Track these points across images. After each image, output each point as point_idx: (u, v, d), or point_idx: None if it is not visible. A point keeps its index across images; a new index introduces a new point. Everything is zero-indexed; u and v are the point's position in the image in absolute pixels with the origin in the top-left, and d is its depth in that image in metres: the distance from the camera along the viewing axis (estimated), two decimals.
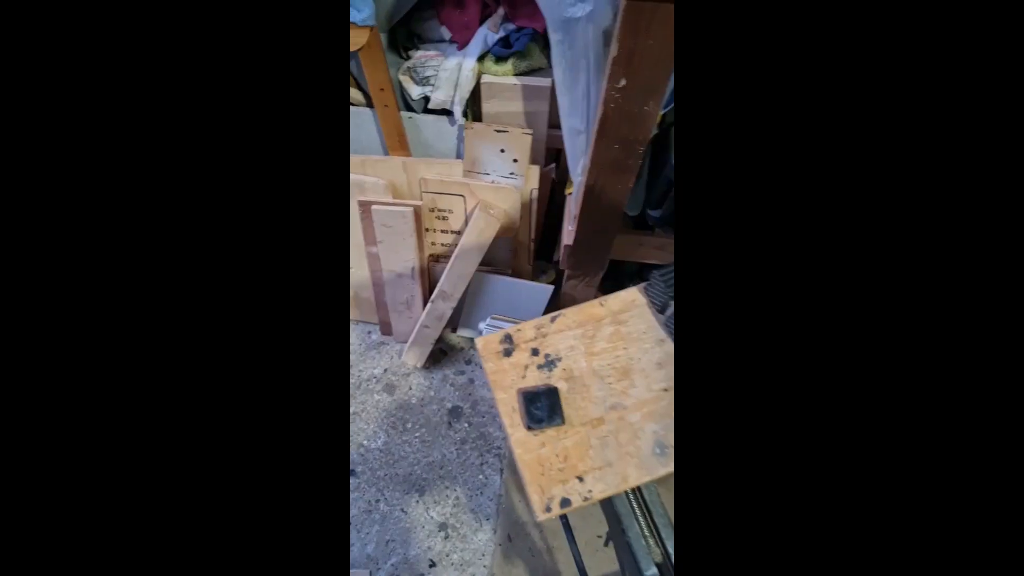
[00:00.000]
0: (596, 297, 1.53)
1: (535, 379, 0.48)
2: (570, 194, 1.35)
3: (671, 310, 0.49)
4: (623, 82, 0.83)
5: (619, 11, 0.75)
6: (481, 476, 1.43)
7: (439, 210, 1.33)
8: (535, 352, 0.50)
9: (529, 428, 0.45)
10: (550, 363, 0.49)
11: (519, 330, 0.51)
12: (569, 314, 0.51)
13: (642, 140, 0.94)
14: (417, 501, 1.40)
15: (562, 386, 0.47)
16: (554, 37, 0.90)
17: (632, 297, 0.52)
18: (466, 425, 1.49)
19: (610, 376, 0.48)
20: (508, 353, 0.50)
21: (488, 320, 0.92)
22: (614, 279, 1.50)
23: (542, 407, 0.44)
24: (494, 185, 1.27)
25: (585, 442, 0.45)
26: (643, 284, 0.52)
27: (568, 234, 1.28)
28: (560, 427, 0.46)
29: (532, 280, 1.50)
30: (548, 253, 1.62)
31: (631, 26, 0.74)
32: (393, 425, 1.48)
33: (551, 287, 1.41)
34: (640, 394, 0.47)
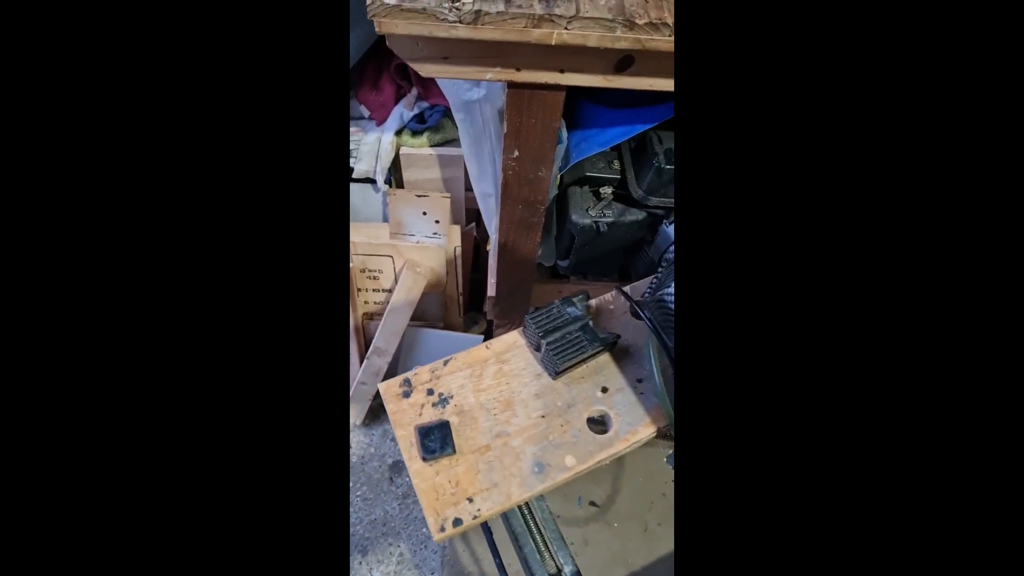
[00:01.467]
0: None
1: (430, 415, 0.55)
2: (489, 250, 1.46)
3: (543, 349, 0.58)
4: (516, 153, 0.95)
5: (504, 95, 0.88)
6: (425, 529, 1.44)
7: (369, 271, 1.41)
8: (430, 392, 0.57)
9: (424, 459, 0.52)
10: (443, 401, 0.56)
11: (416, 374, 0.59)
12: (459, 357, 0.59)
13: (541, 201, 1.06)
14: (360, 562, 1.40)
15: (454, 420, 0.55)
16: (458, 116, 1.02)
17: (513, 339, 0.61)
18: (407, 479, 1.51)
19: (495, 408, 0.56)
20: (407, 395, 0.57)
21: (414, 371, 0.99)
22: None
23: (435, 439, 0.51)
24: (419, 245, 1.36)
25: (474, 467, 0.52)
26: (521, 327, 0.61)
27: (491, 286, 1.37)
28: (452, 456, 0.53)
29: (464, 331, 1.58)
30: (479, 305, 1.71)
31: (515, 107, 0.87)
32: None
33: (480, 337, 1.49)
34: (521, 422, 0.55)
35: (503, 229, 1.13)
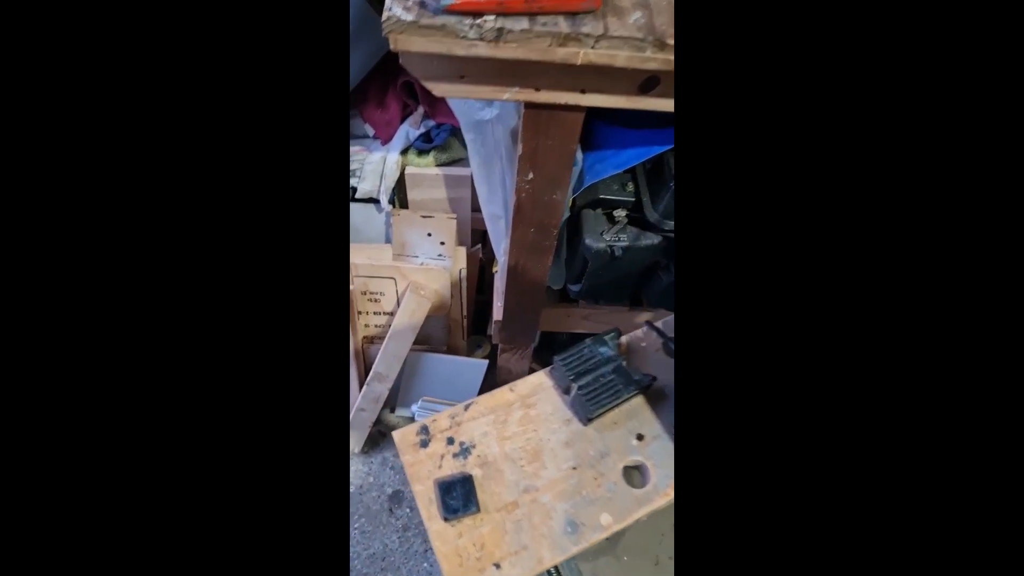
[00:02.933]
0: (530, 368, 1.57)
1: (451, 468, 0.50)
2: (496, 272, 1.41)
3: (574, 391, 0.53)
4: (531, 175, 0.91)
5: (520, 116, 0.84)
6: (426, 564, 1.37)
7: (371, 293, 1.35)
8: (450, 441, 0.52)
9: (446, 519, 0.47)
10: (465, 451, 0.51)
11: (435, 420, 0.54)
12: (481, 401, 0.54)
13: (555, 224, 1.02)
14: None
15: (477, 473, 0.50)
16: (468, 136, 0.98)
17: (539, 381, 0.56)
18: (408, 510, 1.45)
19: (522, 459, 0.51)
20: (425, 444, 0.52)
21: (420, 403, 0.93)
22: (548, 349, 1.55)
23: (457, 496, 0.46)
24: (423, 267, 1.31)
25: (500, 527, 0.47)
26: (549, 368, 0.56)
27: (497, 310, 1.33)
28: (476, 515, 0.48)
29: (468, 355, 1.53)
30: (482, 328, 1.66)
31: (532, 128, 0.83)
32: None
33: (485, 362, 1.44)
34: (550, 474, 0.50)
35: (514, 252, 1.09)
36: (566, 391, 0.54)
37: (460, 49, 0.62)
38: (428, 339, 1.48)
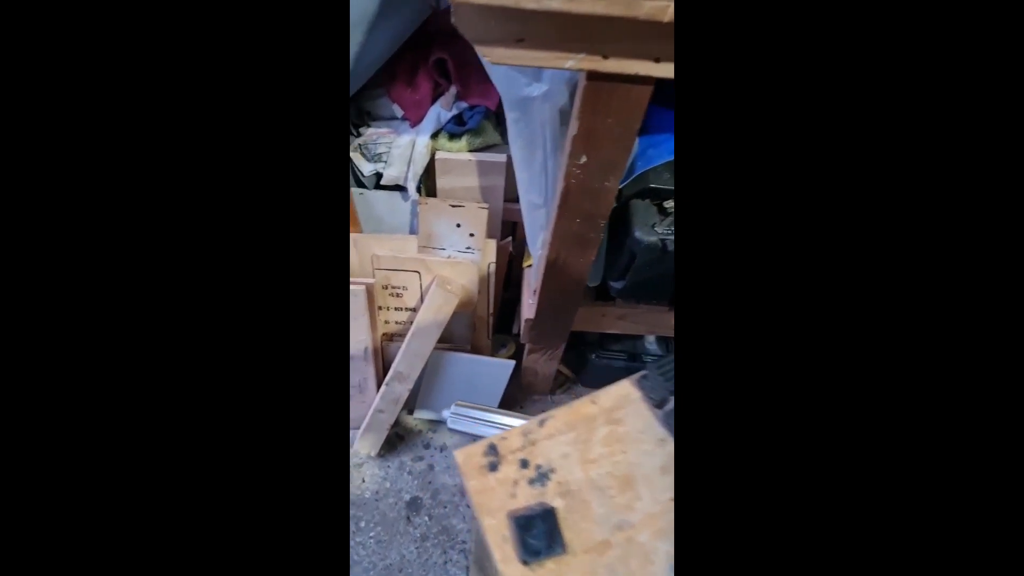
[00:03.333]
0: (558, 371, 1.48)
1: (527, 497, 0.41)
2: (528, 267, 1.32)
3: (670, 405, 0.44)
4: (584, 159, 0.82)
5: (579, 90, 0.75)
6: None
7: (392, 287, 1.27)
8: (524, 464, 0.43)
9: (525, 563, 0.38)
10: (542, 476, 0.43)
11: (504, 439, 0.45)
12: (559, 416, 0.45)
13: (603, 214, 0.93)
14: None
15: (559, 504, 0.41)
16: (510, 115, 0.89)
17: (625, 391, 0.47)
18: (426, 518, 1.36)
19: (611, 487, 0.42)
20: (494, 467, 0.44)
21: (453, 408, 0.85)
22: (576, 350, 1.46)
23: (539, 534, 0.38)
24: (451, 260, 1.22)
25: (591, 574, 0.38)
26: (637, 376, 0.47)
27: (528, 308, 1.24)
28: (561, 557, 0.39)
29: (491, 355, 1.44)
30: (507, 326, 1.57)
31: (591, 105, 0.74)
32: None
33: (512, 363, 1.35)
34: (647, 507, 0.41)
35: (555, 244, 1.00)
36: (659, 405, 0.45)
37: (530, 2, 0.54)
38: (451, 337, 1.39)
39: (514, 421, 0.77)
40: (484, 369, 1.36)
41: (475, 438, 0.88)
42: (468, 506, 1.39)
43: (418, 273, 1.24)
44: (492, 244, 1.25)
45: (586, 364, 1.52)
